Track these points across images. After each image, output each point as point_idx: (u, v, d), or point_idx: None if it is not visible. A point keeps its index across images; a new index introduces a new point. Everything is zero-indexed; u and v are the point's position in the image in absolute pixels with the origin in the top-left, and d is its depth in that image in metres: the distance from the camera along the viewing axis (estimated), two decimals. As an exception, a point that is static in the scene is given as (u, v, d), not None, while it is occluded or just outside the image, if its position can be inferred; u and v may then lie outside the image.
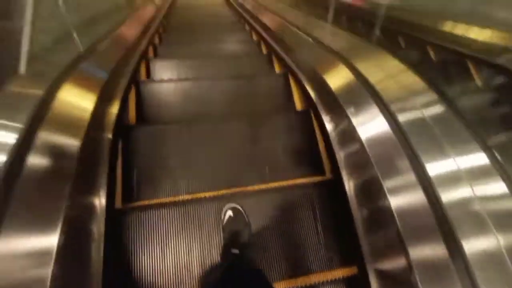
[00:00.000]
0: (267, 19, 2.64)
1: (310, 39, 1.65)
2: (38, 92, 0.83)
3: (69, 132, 0.84)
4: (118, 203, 1.13)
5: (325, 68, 1.38)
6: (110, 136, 1.09)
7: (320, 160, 1.38)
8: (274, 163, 1.37)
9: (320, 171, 1.35)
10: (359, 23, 2.26)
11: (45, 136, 0.74)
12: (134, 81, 1.67)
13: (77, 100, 0.96)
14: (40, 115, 0.78)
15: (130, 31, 2.02)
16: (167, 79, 1.85)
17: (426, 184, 0.69)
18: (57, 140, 0.80)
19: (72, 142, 0.82)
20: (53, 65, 1.00)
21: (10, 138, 0.67)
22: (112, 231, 0.90)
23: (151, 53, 2.30)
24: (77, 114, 0.93)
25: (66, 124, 0.86)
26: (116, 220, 0.99)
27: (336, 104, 1.17)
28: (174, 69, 2.03)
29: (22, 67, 0.84)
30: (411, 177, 0.73)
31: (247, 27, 3.15)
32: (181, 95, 1.72)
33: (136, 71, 1.79)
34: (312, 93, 1.44)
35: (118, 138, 1.23)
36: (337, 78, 1.26)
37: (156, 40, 2.61)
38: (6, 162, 0.61)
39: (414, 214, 0.71)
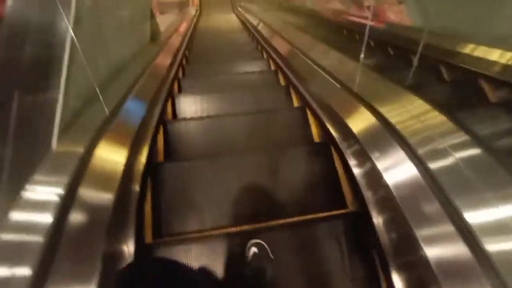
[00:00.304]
0: (283, 49, 2.75)
1: (328, 76, 1.71)
2: (77, 152, 0.95)
3: (104, 186, 0.95)
4: (149, 238, 1.23)
5: (345, 106, 1.44)
6: (140, 180, 1.20)
7: (340, 192, 1.42)
8: (295, 196, 1.42)
9: (341, 203, 1.38)
10: (390, 50, 2.09)
11: (84, 192, 0.85)
12: (162, 121, 1.81)
13: (111, 155, 1.08)
14: (79, 174, 0.88)
15: (158, 70, 2.19)
16: (192, 117, 1.98)
17: (463, 229, 0.69)
18: (94, 195, 0.90)
19: (107, 196, 0.92)
20: (88, 125, 1.13)
21: (55, 196, 0.78)
22: (141, 266, 0.99)
23: (176, 87, 2.47)
24: (111, 168, 1.04)
25: (102, 179, 0.97)
26: (146, 255, 1.07)
27: (357, 143, 1.22)
28: (198, 103, 2.16)
29: (54, 143, 0.95)
30: (445, 222, 0.73)
31: (264, 55, 3.28)
32: (205, 131, 1.84)
33: (164, 109, 1.93)
34: (331, 129, 1.49)
35: (147, 177, 1.34)
36: (358, 118, 1.30)
37: (180, 74, 2.80)
38: (52, 220, 0.71)
39: (452, 260, 0.72)
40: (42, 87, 1.04)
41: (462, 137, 0.90)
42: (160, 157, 1.68)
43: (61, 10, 1.07)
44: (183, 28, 3.87)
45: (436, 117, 1.04)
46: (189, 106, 2.15)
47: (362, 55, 1.47)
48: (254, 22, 4.63)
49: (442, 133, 0.94)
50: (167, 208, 1.34)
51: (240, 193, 1.41)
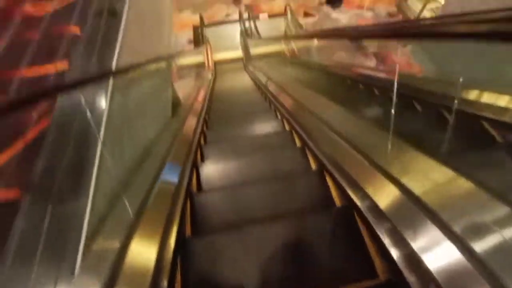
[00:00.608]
0: (296, 110, 2.94)
1: (344, 140, 1.81)
2: (111, 250, 1.04)
3: (136, 285, 1.02)
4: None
5: (365, 174, 1.50)
6: (169, 268, 1.25)
7: (369, 260, 1.41)
8: (323, 264, 1.43)
9: (370, 272, 1.36)
10: (416, 105, 1.78)
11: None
12: (189, 192, 1.94)
13: (142, 250, 1.17)
14: (112, 275, 0.96)
15: (183, 144, 2.40)
16: (216, 187, 2.10)
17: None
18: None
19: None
20: (120, 219, 1.25)
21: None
22: None
23: (198, 156, 2.65)
24: (143, 264, 1.11)
25: (134, 277, 1.04)
26: None
27: (383, 215, 1.25)
28: (220, 171, 2.31)
29: (81, 248, 1.05)
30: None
31: (278, 115, 3.49)
32: (229, 200, 1.93)
33: (190, 182, 2.07)
34: (354, 197, 1.53)
35: (177, 257, 1.41)
36: (381, 188, 1.35)
37: (202, 141, 3.01)
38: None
39: None
40: (72, 196, 1.16)
41: (503, 209, 0.86)
42: (188, 230, 1.77)
43: (93, 126, 1.26)
44: (201, 96, 4.24)
45: (467, 187, 0.99)
46: (212, 173, 2.29)
47: (391, 125, 1.36)
48: (265, 81, 5.00)
49: (478, 205, 0.91)
50: (196, 285, 1.38)
51: (267, 264, 1.44)
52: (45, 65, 1.93)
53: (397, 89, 1.78)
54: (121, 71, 1.31)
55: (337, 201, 1.82)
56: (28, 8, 2.42)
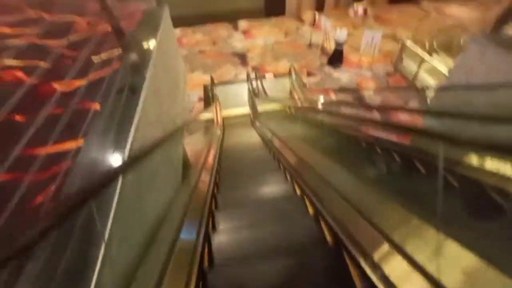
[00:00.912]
0: (306, 175, 2.94)
1: (362, 216, 1.76)
2: None
3: None
4: None
5: (388, 258, 1.43)
6: None
7: None
8: None
9: None
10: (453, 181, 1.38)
11: None
12: (201, 270, 1.85)
13: None
14: None
15: (196, 211, 2.37)
16: (230, 263, 2.02)
17: None
18: None
19: None
20: None
21: None
22: None
23: (210, 221, 2.59)
24: None
25: None
26: None
27: None
28: (232, 243, 2.24)
29: None
30: None
31: (288, 177, 3.49)
32: (242, 279, 1.84)
33: (202, 257, 1.99)
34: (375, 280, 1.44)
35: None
36: (406, 276, 1.28)
37: (213, 205, 2.97)
38: None
39: None
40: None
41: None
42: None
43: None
44: (211, 156, 4.32)
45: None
46: (224, 245, 2.21)
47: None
48: (273, 139, 5.11)
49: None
50: None
51: None
52: (65, 141, 2.02)
53: (420, 157, 1.61)
54: (133, 161, 1.33)
55: (357, 281, 1.70)
56: (57, 86, 2.65)
